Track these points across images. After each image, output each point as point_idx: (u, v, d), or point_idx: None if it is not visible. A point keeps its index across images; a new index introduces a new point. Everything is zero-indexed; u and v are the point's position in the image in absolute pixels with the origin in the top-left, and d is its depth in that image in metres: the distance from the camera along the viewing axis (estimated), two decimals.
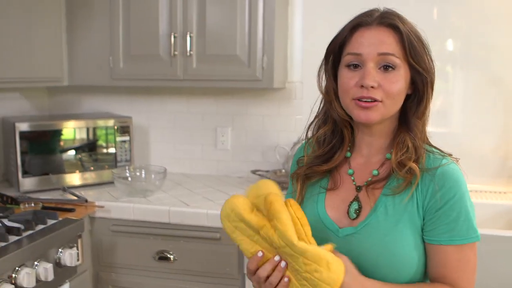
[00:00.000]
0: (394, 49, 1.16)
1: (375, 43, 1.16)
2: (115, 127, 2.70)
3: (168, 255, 2.28)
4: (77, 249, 2.06)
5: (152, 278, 2.33)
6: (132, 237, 2.33)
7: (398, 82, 1.16)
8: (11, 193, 2.41)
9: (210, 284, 2.27)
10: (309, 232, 1.10)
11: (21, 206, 2.21)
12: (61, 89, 3.04)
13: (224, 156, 2.96)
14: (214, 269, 2.25)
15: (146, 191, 2.45)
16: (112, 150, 2.71)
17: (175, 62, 2.55)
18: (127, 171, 2.62)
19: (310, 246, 1.06)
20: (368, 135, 1.26)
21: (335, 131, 1.30)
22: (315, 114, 1.34)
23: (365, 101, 1.16)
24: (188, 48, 2.52)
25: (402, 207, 1.17)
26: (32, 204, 2.22)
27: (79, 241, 2.11)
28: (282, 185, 2.63)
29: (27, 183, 2.51)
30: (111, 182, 2.57)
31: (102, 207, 2.31)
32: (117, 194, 2.46)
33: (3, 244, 1.77)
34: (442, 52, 2.62)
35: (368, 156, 1.28)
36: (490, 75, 2.56)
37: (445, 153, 1.22)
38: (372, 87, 1.14)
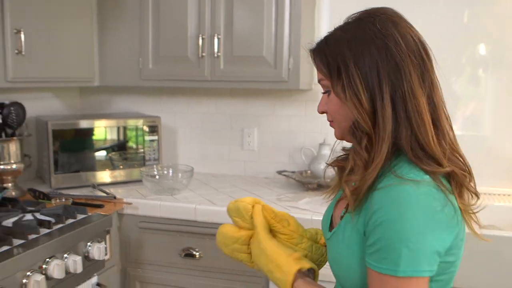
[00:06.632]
0: (321, 72, 1.16)
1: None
2: (144, 127, 2.76)
3: (194, 252, 2.31)
4: (105, 244, 2.10)
5: (178, 275, 2.37)
6: (159, 234, 2.37)
7: (331, 103, 1.15)
8: (43, 189, 2.48)
9: (234, 281, 2.29)
10: (289, 224, 1.33)
11: (53, 201, 2.28)
12: (92, 89, 3.12)
13: (250, 156, 2.99)
14: (238, 266, 2.26)
15: (173, 189, 2.49)
16: (140, 149, 2.77)
17: (202, 64, 2.60)
18: (155, 169, 2.67)
19: (270, 248, 1.23)
20: None
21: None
22: None
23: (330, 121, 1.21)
24: (216, 50, 2.56)
25: (354, 225, 1.11)
26: (63, 200, 2.28)
27: (107, 236, 2.16)
28: (308, 186, 2.65)
29: (59, 179, 2.58)
30: (139, 180, 2.62)
31: (130, 203, 2.36)
32: (145, 192, 2.51)
33: (34, 236, 1.83)
34: (473, 56, 2.59)
35: None
36: None
37: (422, 177, 1.04)
38: (323, 111, 1.21)
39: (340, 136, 1.20)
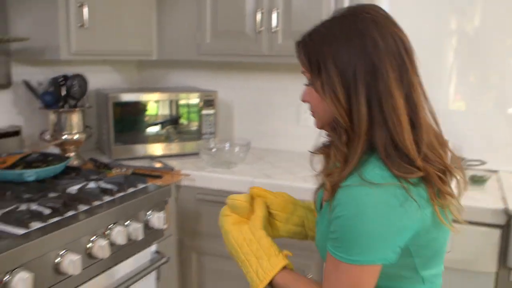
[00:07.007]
0: (304, 65, 1.18)
1: None
2: (201, 101, 2.78)
3: None
4: (164, 214, 2.14)
5: None
6: (215, 206, 2.38)
7: (312, 96, 1.19)
8: (103, 159, 2.55)
9: None
10: (282, 196, 1.48)
11: (113, 171, 2.34)
12: (150, 63, 3.16)
13: (306, 132, 2.96)
14: (293, 240, 2.27)
15: (230, 163, 2.51)
16: (197, 122, 2.79)
17: (260, 39, 2.59)
18: (212, 142, 2.69)
19: (265, 238, 1.31)
20: None
21: None
22: None
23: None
24: (274, 24, 2.54)
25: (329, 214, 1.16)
26: (123, 170, 2.34)
27: (165, 206, 2.20)
28: None
29: (118, 150, 2.64)
30: (195, 154, 2.66)
31: (188, 175, 2.40)
32: (201, 165, 2.54)
33: (98, 202, 1.88)
34: None
35: None
36: None
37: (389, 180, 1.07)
38: (305, 101, 1.24)
39: (320, 127, 1.24)
